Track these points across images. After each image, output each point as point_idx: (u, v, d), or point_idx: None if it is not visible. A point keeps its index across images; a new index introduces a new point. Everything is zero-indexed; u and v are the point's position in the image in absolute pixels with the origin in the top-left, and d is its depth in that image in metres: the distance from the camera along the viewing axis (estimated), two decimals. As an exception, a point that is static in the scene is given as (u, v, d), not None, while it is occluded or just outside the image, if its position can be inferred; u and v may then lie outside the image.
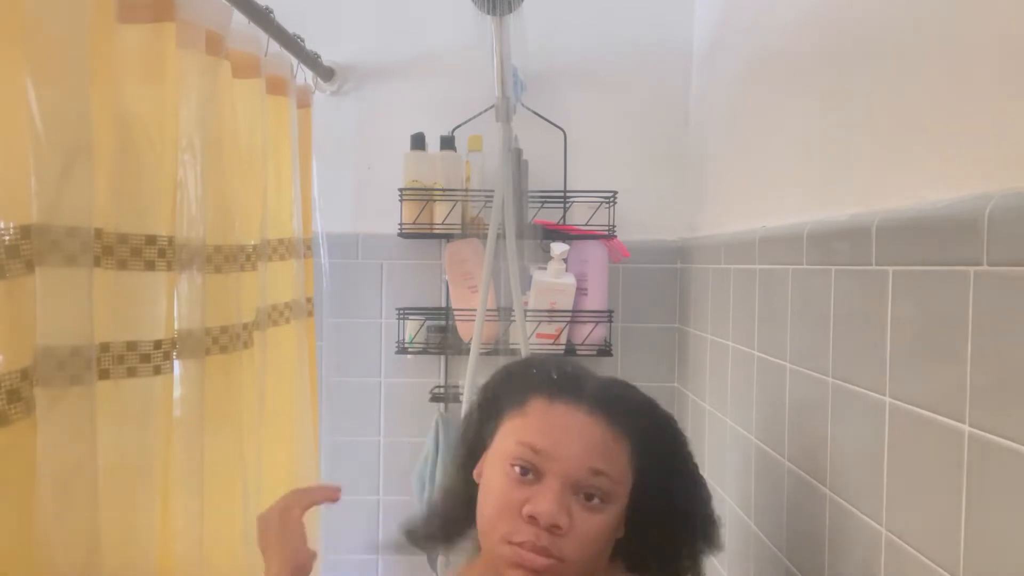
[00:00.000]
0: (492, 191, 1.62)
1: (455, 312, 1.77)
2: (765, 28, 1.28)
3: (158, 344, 1.01)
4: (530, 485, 0.81)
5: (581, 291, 1.73)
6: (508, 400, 0.88)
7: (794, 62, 1.15)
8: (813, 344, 1.00)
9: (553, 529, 0.79)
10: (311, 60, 1.70)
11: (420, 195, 1.73)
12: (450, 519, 0.94)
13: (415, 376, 1.86)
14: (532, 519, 0.79)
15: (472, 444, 0.92)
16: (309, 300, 1.66)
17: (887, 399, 0.80)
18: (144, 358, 1.00)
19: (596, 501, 0.81)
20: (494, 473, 0.84)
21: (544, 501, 0.79)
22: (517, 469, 0.82)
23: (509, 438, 0.84)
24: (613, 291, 1.83)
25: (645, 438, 0.86)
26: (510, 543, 0.79)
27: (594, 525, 0.81)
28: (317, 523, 1.58)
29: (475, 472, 0.89)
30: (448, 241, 1.80)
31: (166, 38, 1.02)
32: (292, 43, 1.56)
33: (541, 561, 0.78)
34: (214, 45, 1.14)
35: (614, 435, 0.83)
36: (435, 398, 1.81)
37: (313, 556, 0.96)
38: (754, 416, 1.23)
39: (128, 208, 0.98)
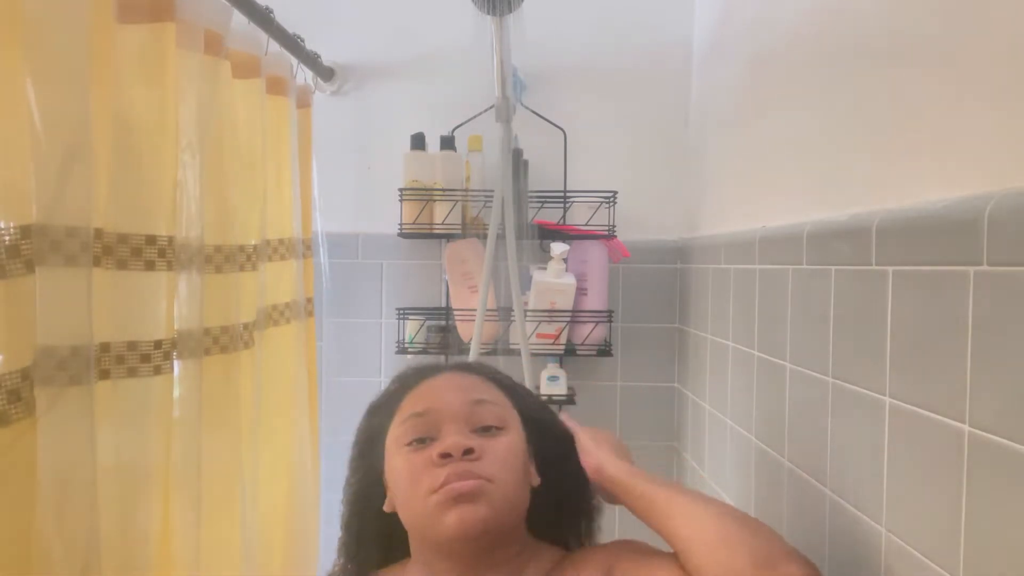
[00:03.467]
0: (492, 191, 1.62)
1: (455, 312, 1.77)
2: (765, 28, 1.29)
3: (158, 344, 1.01)
4: (430, 444, 0.84)
5: (581, 291, 1.73)
6: (383, 425, 0.91)
7: (794, 62, 1.15)
8: (813, 344, 1.00)
9: (468, 454, 0.82)
10: (311, 60, 1.70)
11: (420, 195, 1.73)
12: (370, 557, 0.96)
13: (415, 376, 1.85)
14: (444, 455, 0.82)
15: (372, 486, 0.92)
16: (309, 300, 1.66)
17: (887, 399, 0.80)
18: (144, 358, 0.99)
19: (493, 429, 0.87)
20: (397, 463, 0.86)
21: (448, 438, 0.83)
22: (413, 444, 0.85)
23: (394, 435, 0.88)
24: (613, 291, 1.83)
25: (513, 396, 0.94)
26: (435, 491, 0.81)
27: (502, 445, 0.86)
28: (317, 523, 1.58)
29: (386, 505, 0.90)
30: (448, 241, 1.80)
31: (166, 38, 1.02)
32: (292, 43, 1.56)
33: (469, 483, 0.81)
34: (214, 45, 1.14)
35: (484, 381, 0.93)
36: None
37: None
38: (754, 416, 1.23)
39: (128, 208, 0.98)
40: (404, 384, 0.94)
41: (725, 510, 0.79)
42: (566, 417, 1.01)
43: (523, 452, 0.89)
